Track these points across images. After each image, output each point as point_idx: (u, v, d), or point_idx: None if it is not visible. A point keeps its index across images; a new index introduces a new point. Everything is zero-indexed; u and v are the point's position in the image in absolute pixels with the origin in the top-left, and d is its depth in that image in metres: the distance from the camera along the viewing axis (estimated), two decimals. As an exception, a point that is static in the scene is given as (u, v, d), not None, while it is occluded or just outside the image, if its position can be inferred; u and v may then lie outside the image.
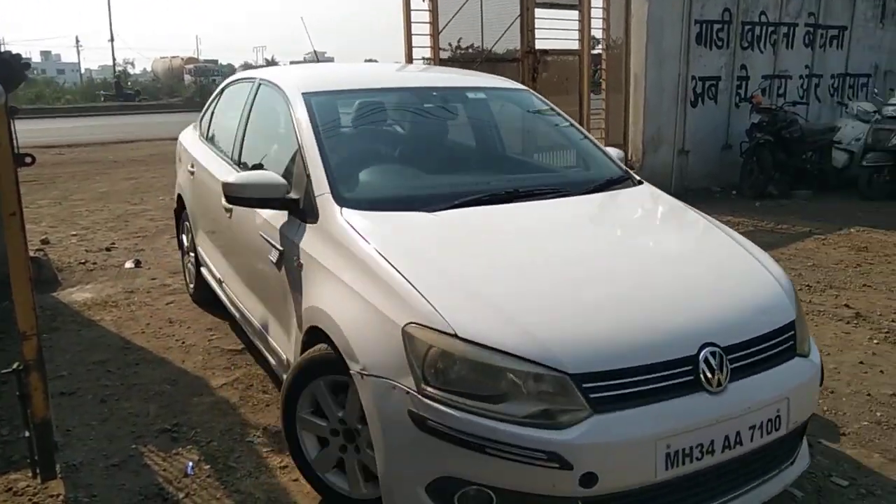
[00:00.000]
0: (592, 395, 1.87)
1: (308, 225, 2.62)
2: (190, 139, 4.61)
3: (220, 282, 3.80)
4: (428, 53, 6.85)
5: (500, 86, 3.80)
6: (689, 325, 2.06)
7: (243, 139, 3.57)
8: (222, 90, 4.43)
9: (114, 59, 48.49)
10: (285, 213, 2.77)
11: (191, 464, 2.82)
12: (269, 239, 2.85)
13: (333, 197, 2.59)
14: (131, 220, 7.25)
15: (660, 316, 2.07)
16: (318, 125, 2.88)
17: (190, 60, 50.74)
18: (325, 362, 2.32)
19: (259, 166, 3.28)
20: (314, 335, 2.42)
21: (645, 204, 3.07)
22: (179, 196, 4.63)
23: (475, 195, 2.71)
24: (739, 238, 2.73)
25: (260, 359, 3.61)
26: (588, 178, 3.21)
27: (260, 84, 3.63)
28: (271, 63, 61.49)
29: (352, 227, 2.44)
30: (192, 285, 4.62)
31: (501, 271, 2.27)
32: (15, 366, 2.40)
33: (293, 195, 2.73)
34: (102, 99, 33.40)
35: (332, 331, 2.25)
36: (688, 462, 1.93)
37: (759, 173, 8.29)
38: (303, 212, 2.68)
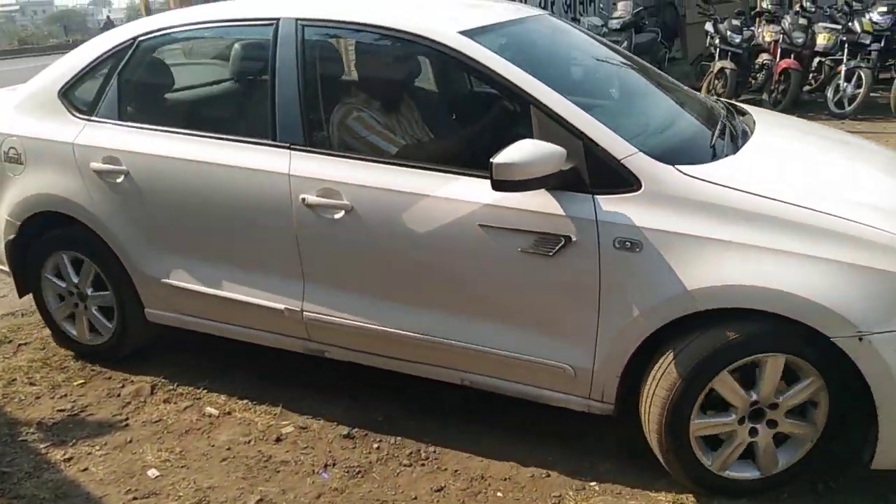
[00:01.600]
0: None
1: (620, 196, 2.24)
2: (62, 129, 3.06)
3: (300, 313, 2.75)
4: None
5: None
6: None
7: (304, 112, 2.69)
8: (132, 49, 3.06)
9: None
10: (540, 192, 2.28)
11: (-47, 485, 2.52)
12: (524, 228, 2.34)
13: (651, 156, 2.26)
14: None
15: None
16: (529, 72, 2.42)
17: None
18: (742, 344, 2.18)
19: (365, 144, 2.69)
20: (681, 326, 2.21)
21: (795, 122, 3.52)
22: (44, 214, 3.12)
23: (717, 133, 2.64)
24: None
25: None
26: (714, 104, 3.17)
27: (304, 27, 2.72)
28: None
29: (718, 184, 2.21)
30: (108, 338, 3.24)
31: (874, 191, 2.49)
32: None
33: (565, 165, 2.28)
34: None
35: (781, 304, 2.11)
36: None
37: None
38: (591, 183, 2.27)
